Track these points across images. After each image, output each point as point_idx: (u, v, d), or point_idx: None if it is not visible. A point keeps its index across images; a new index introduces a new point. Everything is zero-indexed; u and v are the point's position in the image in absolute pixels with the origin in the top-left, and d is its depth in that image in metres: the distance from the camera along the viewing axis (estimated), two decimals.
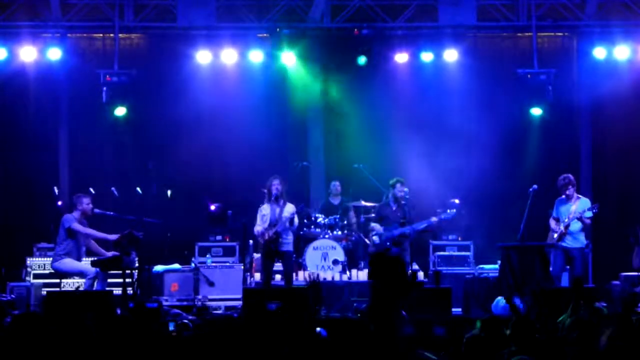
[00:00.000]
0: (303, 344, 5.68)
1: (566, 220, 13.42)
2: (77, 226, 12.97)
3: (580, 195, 13.69)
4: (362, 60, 16.04)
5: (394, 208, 13.90)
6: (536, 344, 6.32)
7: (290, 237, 13.43)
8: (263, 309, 11.36)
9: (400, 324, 6.02)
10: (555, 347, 6.38)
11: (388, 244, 13.73)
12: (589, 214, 13.38)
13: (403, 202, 13.87)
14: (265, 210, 13.43)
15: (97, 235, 13.18)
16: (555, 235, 13.46)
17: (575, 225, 13.44)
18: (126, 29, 16.20)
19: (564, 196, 13.59)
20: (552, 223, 13.61)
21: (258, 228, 13.41)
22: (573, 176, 13.76)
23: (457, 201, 15.29)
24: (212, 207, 15.87)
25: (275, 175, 13.54)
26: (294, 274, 14.20)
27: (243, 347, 5.98)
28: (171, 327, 10.52)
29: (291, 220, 13.30)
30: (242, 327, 6.44)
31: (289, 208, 13.38)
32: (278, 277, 14.14)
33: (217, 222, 15.77)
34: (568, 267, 13.69)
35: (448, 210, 14.14)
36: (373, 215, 15.13)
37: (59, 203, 15.50)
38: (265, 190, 13.50)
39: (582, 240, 13.59)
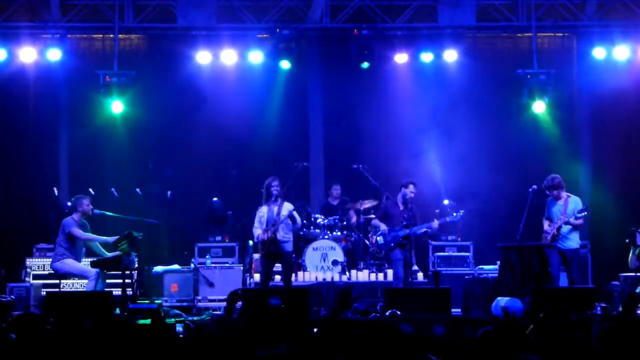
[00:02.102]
0: (301, 341, 5.70)
1: (558, 222, 13.38)
2: (77, 231, 12.97)
3: (570, 194, 13.63)
4: (365, 65, 16.02)
5: (401, 208, 13.86)
6: (535, 344, 6.32)
7: (290, 236, 13.32)
8: (265, 304, 11.38)
9: None
10: (556, 346, 6.38)
11: (392, 244, 13.72)
12: (581, 215, 13.32)
13: (410, 204, 13.85)
14: (262, 211, 13.29)
15: (96, 239, 13.19)
16: (549, 237, 13.42)
17: (566, 227, 13.39)
18: (126, 29, 16.19)
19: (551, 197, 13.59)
20: (545, 224, 13.54)
21: (257, 231, 13.24)
22: (560, 177, 13.64)
23: (446, 202, 15.31)
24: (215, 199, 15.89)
25: (274, 176, 13.45)
26: (294, 275, 14.21)
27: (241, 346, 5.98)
28: (179, 329, 10.47)
29: (292, 217, 13.19)
30: (240, 327, 6.44)
31: (287, 206, 13.24)
32: (277, 277, 14.15)
33: (217, 222, 15.77)
34: (564, 267, 13.68)
35: (454, 214, 14.12)
36: (373, 214, 15.14)
37: (69, 204, 15.46)
38: (264, 191, 13.39)
39: (576, 240, 13.49)
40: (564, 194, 13.49)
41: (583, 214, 13.27)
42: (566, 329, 7.04)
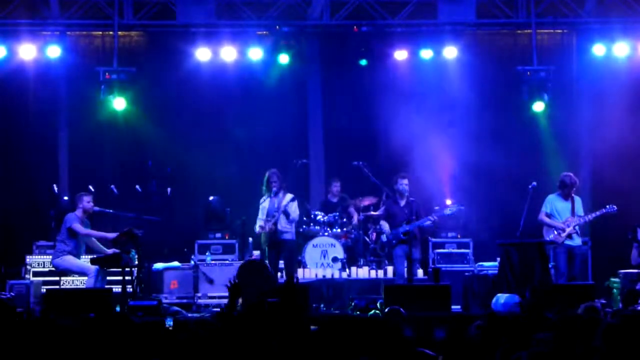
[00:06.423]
0: (296, 338, 5.69)
1: (577, 220, 13.51)
2: (78, 227, 13.02)
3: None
4: (363, 62, 16.02)
5: (401, 204, 13.89)
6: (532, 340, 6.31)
7: (290, 227, 13.55)
8: (263, 305, 11.36)
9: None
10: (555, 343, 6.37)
11: (394, 241, 13.76)
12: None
13: (411, 198, 13.87)
14: (264, 202, 13.67)
15: (96, 235, 13.22)
16: (564, 234, 13.48)
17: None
18: (125, 26, 16.17)
19: (559, 192, 13.66)
20: (546, 219, 13.63)
21: (259, 223, 13.62)
22: (572, 173, 13.85)
23: (449, 202, 15.26)
24: (211, 198, 15.88)
25: (274, 169, 13.73)
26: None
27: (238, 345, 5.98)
28: (169, 323, 10.55)
29: (286, 212, 13.38)
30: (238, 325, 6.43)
31: (287, 197, 13.53)
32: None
33: (215, 220, 15.76)
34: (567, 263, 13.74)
35: (455, 207, 14.17)
36: (373, 212, 15.14)
37: (65, 198, 15.49)
38: (264, 183, 13.81)
39: (580, 237, 13.74)
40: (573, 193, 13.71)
41: (612, 211, 13.78)
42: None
